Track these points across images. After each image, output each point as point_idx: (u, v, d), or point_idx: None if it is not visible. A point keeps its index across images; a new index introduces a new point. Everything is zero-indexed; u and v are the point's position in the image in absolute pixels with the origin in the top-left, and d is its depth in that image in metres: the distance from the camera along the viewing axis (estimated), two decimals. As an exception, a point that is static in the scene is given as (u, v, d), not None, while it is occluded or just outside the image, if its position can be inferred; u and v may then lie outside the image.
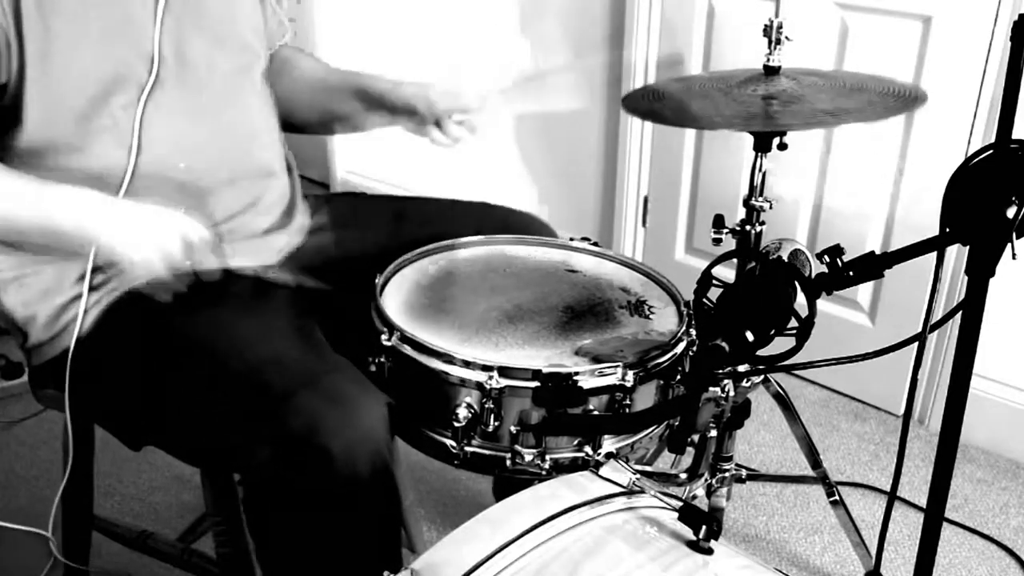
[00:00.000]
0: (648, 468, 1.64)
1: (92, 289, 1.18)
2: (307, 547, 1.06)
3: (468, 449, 1.10)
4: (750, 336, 1.08)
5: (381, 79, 1.37)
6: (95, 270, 1.17)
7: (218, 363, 1.11)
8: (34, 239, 1.15)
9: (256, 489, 1.09)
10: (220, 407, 1.09)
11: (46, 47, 1.08)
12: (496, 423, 1.08)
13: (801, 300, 1.12)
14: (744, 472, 1.56)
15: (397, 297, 1.22)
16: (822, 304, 1.11)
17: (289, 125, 1.42)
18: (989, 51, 1.86)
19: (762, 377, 1.52)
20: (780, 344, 1.11)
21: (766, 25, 1.28)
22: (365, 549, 1.09)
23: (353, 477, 1.02)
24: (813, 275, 1.13)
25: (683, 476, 1.50)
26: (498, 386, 1.05)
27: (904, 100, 1.20)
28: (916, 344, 1.03)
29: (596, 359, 1.10)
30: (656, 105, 1.29)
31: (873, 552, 1.40)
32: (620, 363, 1.08)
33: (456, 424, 1.07)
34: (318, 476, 1.01)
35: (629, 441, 1.14)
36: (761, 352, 1.10)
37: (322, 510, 1.04)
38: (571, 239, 1.40)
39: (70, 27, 1.09)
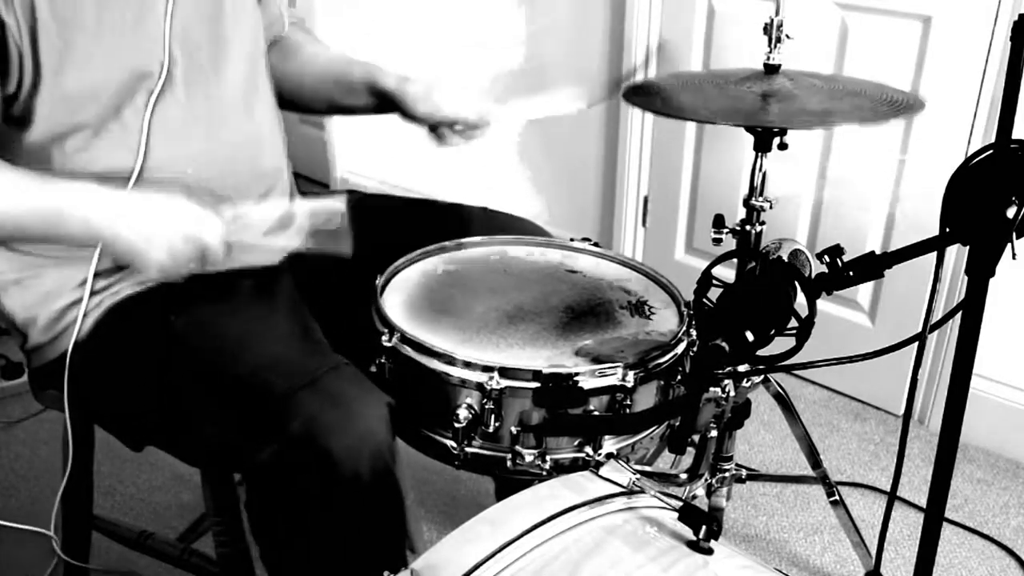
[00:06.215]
0: (648, 468, 1.64)
1: (93, 293, 1.18)
2: (310, 549, 1.06)
3: (469, 450, 1.10)
4: (750, 336, 1.08)
5: (388, 74, 1.35)
6: (97, 275, 1.17)
7: (219, 365, 1.11)
8: (37, 238, 1.13)
9: (258, 490, 1.09)
10: (221, 409, 1.09)
11: (61, 60, 1.07)
12: (497, 424, 1.07)
13: (801, 300, 1.12)
14: (744, 472, 1.56)
15: (398, 298, 1.22)
16: (822, 304, 1.11)
17: (290, 104, 1.42)
18: (989, 51, 1.86)
19: (762, 377, 1.52)
20: (780, 344, 1.11)
21: (766, 23, 1.28)
22: (368, 551, 1.09)
23: (355, 478, 1.02)
24: (813, 275, 1.13)
25: (683, 476, 1.50)
26: (499, 387, 1.05)
27: (899, 107, 1.21)
28: (916, 344, 1.03)
29: (596, 359, 1.10)
30: (650, 97, 1.29)
31: (873, 552, 1.40)
32: (620, 363, 1.08)
33: (457, 425, 1.07)
34: (319, 477, 1.01)
35: (630, 441, 1.14)
36: (761, 352, 1.10)
37: (324, 511, 1.04)
38: (571, 239, 1.40)
39: (86, 40, 1.08)
